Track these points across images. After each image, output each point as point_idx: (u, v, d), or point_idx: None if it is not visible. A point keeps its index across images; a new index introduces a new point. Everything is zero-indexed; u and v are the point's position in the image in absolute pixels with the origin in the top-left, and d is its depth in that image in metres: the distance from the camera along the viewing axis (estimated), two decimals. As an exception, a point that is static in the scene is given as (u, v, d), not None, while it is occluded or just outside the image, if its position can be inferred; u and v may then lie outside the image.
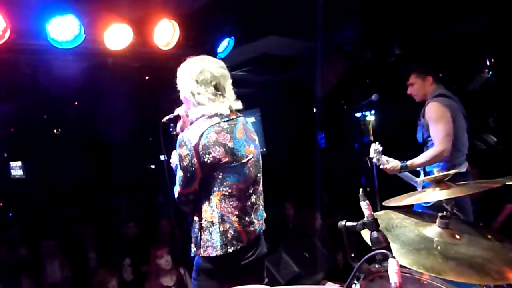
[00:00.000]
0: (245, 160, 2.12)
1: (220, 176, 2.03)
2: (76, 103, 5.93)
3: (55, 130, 7.38)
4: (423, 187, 3.30)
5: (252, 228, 2.14)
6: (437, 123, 3.20)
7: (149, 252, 4.11)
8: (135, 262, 4.68)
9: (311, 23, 4.24)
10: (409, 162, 3.24)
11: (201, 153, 1.99)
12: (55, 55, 3.34)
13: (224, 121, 2.09)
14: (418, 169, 3.39)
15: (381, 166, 3.30)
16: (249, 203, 2.14)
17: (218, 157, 2.01)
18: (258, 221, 2.20)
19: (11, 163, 8.96)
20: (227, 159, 2.03)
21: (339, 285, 4.19)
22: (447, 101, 3.26)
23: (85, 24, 3.15)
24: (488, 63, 6.19)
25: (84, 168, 7.07)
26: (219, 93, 2.11)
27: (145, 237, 5.38)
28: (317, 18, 4.17)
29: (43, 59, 3.46)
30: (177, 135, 2.36)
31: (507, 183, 2.07)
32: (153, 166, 9.02)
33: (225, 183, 2.05)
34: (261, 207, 2.26)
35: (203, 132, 2.00)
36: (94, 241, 5.25)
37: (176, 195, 2.13)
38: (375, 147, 3.22)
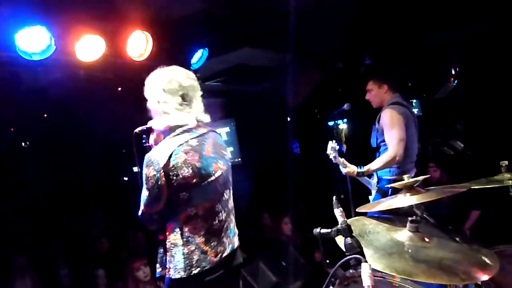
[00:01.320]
0: (212, 178, 2.05)
1: (186, 197, 1.96)
2: (45, 115, 5.79)
3: (23, 143, 7.16)
4: (376, 195, 3.53)
5: (221, 248, 2.06)
6: (391, 129, 3.36)
7: (126, 266, 4.03)
8: (109, 276, 4.57)
9: (283, 34, 4.31)
10: (365, 168, 3.40)
11: (169, 174, 1.93)
12: (24, 67, 3.25)
13: (194, 138, 2.03)
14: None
15: (340, 167, 3.47)
16: (216, 222, 2.06)
17: (186, 178, 1.95)
18: (229, 240, 2.12)
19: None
20: (194, 180, 1.97)
21: (317, 293, 4.24)
22: (401, 109, 3.43)
23: (56, 35, 3.09)
24: (454, 73, 6.45)
25: (54, 181, 6.88)
26: (186, 103, 2.07)
27: (119, 252, 5.27)
28: (289, 29, 4.25)
29: (12, 71, 3.37)
30: (150, 147, 2.33)
31: (472, 187, 2.16)
32: (126, 178, 8.86)
33: (190, 204, 1.98)
34: (232, 224, 2.18)
35: (172, 152, 1.94)
36: (65, 257, 5.10)
37: (140, 213, 2.07)
38: (332, 145, 3.37)
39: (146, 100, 2.22)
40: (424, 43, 5.71)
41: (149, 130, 2.32)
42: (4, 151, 6.64)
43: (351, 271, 1.34)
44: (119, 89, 4.66)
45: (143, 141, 2.35)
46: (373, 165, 3.39)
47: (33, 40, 3.01)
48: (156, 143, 2.22)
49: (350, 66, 5.80)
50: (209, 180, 2.03)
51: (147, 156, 2.00)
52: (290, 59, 5.56)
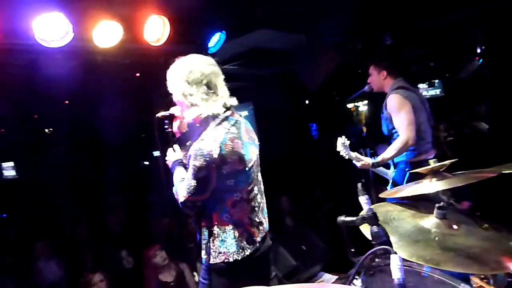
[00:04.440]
0: (252, 163, 2.12)
1: (232, 183, 2.02)
2: (66, 101, 5.85)
3: (46, 130, 7.29)
4: (393, 181, 3.51)
5: (261, 227, 2.16)
6: (399, 113, 3.35)
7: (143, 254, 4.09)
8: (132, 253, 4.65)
9: (301, 16, 4.21)
10: (379, 159, 3.36)
11: (220, 164, 1.96)
12: (43, 54, 3.26)
13: (232, 125, 2.06)
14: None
15: (354, 162, 3.39)
16: (256, 204, 2.14)
17: (234, 166, 2.00)
18: (265, 219, 2.22)
19: (2, 163, 8.84)
20: (241, 167, 2.03)
21: (337, 276, 4.24)
22: (406, 93, 3.42)
23: (74, 22, 3.08)
24: (478, 51, 6.22)
25: (76, 167, 7.01)
26: (212, 91, 2.06)
27: (139, 235, 5.34)
28: (306, 10, 4.14)
29: (31, 58, 3.39)
30: (172, 133, 2.33)
31: (503, 171, 2.07)
32: (147, 163, 8.96)
33: (236, 189, 2.04)
34: (265, 205, 2.26)
35: (221, 143, 1.97)
36: (89, 242, 5.21)
37: (181, 200, 2.08)
38: (342, 141, 3.27)
39: (163, 84, 2.21)
40: (447, 21, 5.50)
41: (171, 117, 2.31)
42: (29, 138, 6.80)
43: (377, 260, 1.30)
44: (137, 74, 4.66)
45: (165, 126, 2.36)
46: (386, 154, 3.34)
47: (51, 27, 3.01)
48: (180, 131, 2.28)
49: (369, 47, 5.65)
50: (250, 165, 2.09)
51: (197, 147, 1.98)
52: (308, 41, 5.44)
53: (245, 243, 2.05)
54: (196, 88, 2.03)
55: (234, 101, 2.16)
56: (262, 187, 2.27)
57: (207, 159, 1.94)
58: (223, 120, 2.05)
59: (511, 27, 5.10)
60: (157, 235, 4.98)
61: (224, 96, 2.11)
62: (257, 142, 2.25)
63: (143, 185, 6.91)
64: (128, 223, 5.68)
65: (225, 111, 2.08)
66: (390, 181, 3.57)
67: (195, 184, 1.99)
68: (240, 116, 2.21)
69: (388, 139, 3.65)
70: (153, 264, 3.94)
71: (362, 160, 3.34)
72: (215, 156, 1.94)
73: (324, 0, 4.29)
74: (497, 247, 1.59)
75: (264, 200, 2.27)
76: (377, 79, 3.66)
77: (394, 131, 3.48)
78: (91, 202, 6.52)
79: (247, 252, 2.05)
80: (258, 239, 2.11)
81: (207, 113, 2.05)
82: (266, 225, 2.21)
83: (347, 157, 3.33)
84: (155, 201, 6.11)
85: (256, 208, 2.14)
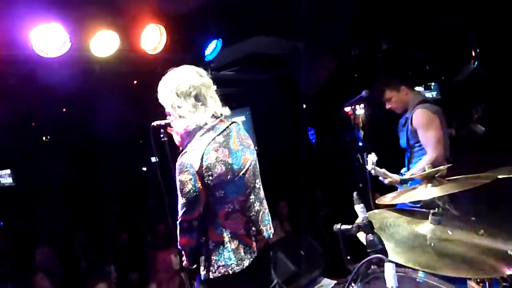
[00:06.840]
0: (243, 171, 2.06)
1: (222, 195, 1.98)
2: (64, 109, 5.88)
3: (44, 137, 7.32)
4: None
5: (260, 236, 2.12)
6: (428, 130, 3.19)
7: (153, 254, 4.07)
8: (121, 269, 4.63)
9: (297, 22, 4.24)
10: (407, 175, 3.22)
11: (204, 175, 1.93)
12: (41, 64, 3.28)
13: (219, 134, 2.02)
14: None
15: (380, 178, 3.26)
16: (253, 213, 2.10)
17: (220, 176, 1.95)
18: (265, 227, 2.18)
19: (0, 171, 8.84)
20: (228, 177, 1.98)
21: (335, 281, 4.25)
22: (434, 108, 3.27)
23: (71, 32, 3.10)
24: (474, 54, 6.27)
25: (74, 174, 7.03)
26: (200, 103, 2.03)
27: (137, 243, 5.33)
28: (303, 16, 4.17)
29: (29, 68, 3.41)
30: (168, 142, 2.33)
31: (498, 177, 2.10)
32: (144, 169, 8.99)
33: (227, 200, 2.00)
34: (266, 211, 2.23)
35: (203, 153, 1.94)
36: (85, 249, 5.19)
37: (178, 222, 2.04)
38: (372, 158, 3.14)
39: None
40: (442, 25, 5.55)
41: (167, 125, 2.31)
42: (26, 146, 6.80)
43: (372, 267, 1.32)
44: (135, 82, 4.69)
45: (161, 135, 2.36)
46: (415, 171, 3.18)
47: (48, 38, 3.03)
48: (179, 144, 2.22)
49: (366, 52, 5.68)
50: (241, 173, 2.05)
51: (179, 162, 1.97)
52: (304, 46, 5.48)
53: (242, 254, 2.02)
54: (185, 100, 2.01)
55: (226, 111, 2.13)
56: (262, 193, 2.23)
57: (191, 171, 1.91)
58: (208, 130, 2.01)
59: (505, 31, 5.15)
60: (167, 239, 4.95)
61: (214, 107, 2.08)
62: (253, 148, 2.20)
63: (141, 191, 6.91)
64: (126, 231, 5.67)
65: (213, 121, 2.05)
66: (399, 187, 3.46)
67: (185, 200, 1.95)
68: (233, 123, 2.16)
69: (403, 152, 3.50)
70: (168, 267, 3.91)
71: (389, 177, 3.20)
72: (197, 168, 1.91)
73: (319, 6, 4.31)
74: (492, 252, 1.61)
75: (265, 207, 2.23)
76: (400, 98, 3.41)
77: (417, 145, 3.32)
78: (89, 209, 6.52)
79: (246, 263, 2.01)
80: (257, 248, 2.08)
81: (194, 125, 2.01)
82: (267, 232, 2.18)
83: (374, 173, 3.19)
84: (153, 206, 6.11)
85: (253, 217, 2.10)
